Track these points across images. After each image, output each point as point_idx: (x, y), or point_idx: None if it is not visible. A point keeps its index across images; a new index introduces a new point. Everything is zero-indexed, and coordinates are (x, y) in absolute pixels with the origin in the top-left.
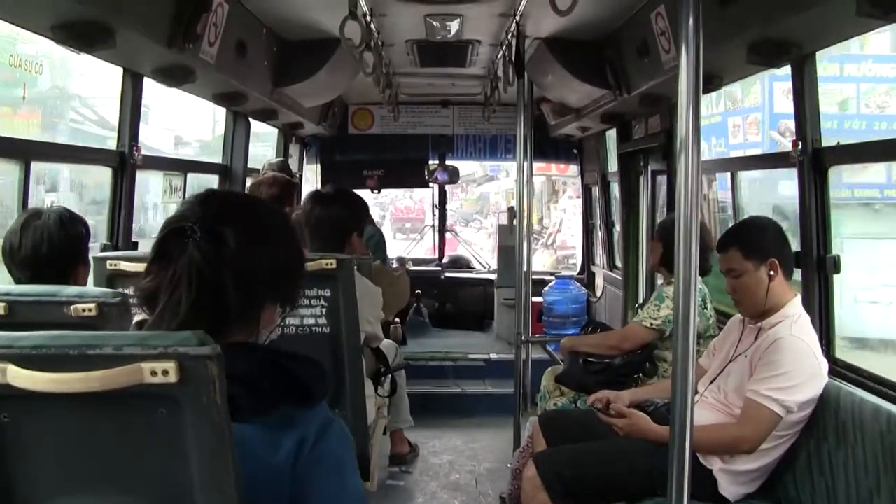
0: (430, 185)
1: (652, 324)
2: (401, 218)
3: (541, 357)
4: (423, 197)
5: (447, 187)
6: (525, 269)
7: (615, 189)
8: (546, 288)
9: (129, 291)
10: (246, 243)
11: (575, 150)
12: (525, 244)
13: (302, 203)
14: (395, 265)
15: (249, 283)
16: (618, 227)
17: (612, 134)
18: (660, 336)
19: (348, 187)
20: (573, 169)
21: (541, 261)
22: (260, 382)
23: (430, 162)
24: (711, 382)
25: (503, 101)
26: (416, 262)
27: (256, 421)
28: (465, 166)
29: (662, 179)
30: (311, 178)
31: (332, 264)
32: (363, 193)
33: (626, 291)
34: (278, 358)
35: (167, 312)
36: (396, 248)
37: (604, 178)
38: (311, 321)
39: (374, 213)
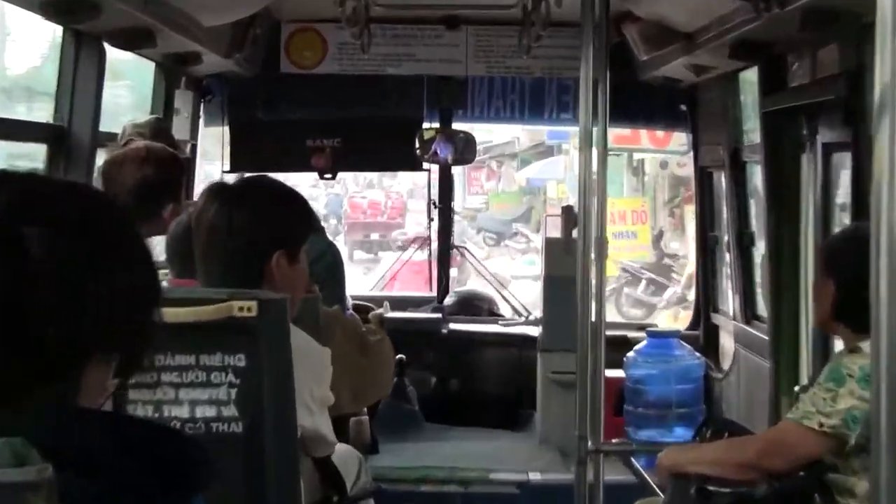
0: (425, 165)
1: (822, 424)
2: (362, 224)
3: (621, 480)
4: (415, 185)
5: (455, 170)
6: (594, 318)
7: (756, 176)
8: (631, 353)
9: None
10: (58, 254)
11: (683, 107)
12: (593, 273)
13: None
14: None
15: (62, 318)
16: (761, 247)
17: (749, 78)
18: (838, 447)
19: (280, 167)
20: (679, 140)
21: (663, 323)
22: (120, 465)
23: (426, 126)
24: None
25: (556, 19)
26: (396, 303)
27: None
28: (490, 133)
29: (844, 159)
30: (212, 152)
31: (250, 310)
32: (304, 181)
33: (776, 363)
34: (137, 428)
35: None
36: (354, 278)
37: (735, 157)
38: (211, 412)
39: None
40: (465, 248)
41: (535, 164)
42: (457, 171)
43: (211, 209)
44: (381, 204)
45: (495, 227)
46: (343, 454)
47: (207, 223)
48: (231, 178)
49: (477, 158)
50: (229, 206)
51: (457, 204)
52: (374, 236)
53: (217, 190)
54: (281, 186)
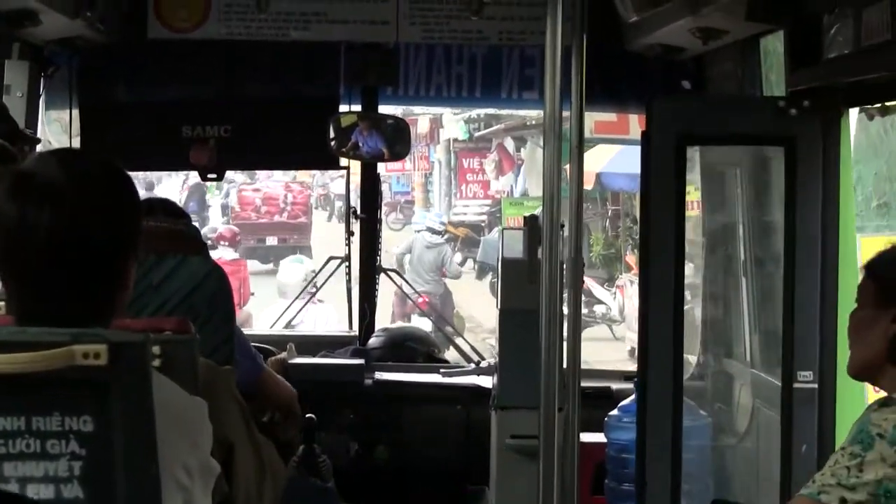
0: (342, 161)
1: (846, 500)
2: (254, 225)
3: None
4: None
5: (384, 167)
6: (565, 364)
7: (776, 174)
8: (614, 412)
9: None
10: None
11: (686, 85)
12: (566, 305)
13: None
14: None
15: None
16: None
17: (772, 46)
18: None
19: (147, 164)
20: None
21: None
22: None
23: (343, 109)
24: None
25: None
26: (303, 344)
27: None
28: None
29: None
30: (56, 144)
31: (98, 356)
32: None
33: (821, 426)
34: None
35: None
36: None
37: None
38: (48, 492)
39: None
40: (395, 271)
41: (611, 147)
42: (439, 157)
43: (28, 209)
44: (280, 198)
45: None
46: None
47: (24, 229)
48: (31, 162)
49: (479, 134)
50: (53, 202)
51: (436, 210)
52: (272, 241)
53: (21, 181)
54: (106, 162)
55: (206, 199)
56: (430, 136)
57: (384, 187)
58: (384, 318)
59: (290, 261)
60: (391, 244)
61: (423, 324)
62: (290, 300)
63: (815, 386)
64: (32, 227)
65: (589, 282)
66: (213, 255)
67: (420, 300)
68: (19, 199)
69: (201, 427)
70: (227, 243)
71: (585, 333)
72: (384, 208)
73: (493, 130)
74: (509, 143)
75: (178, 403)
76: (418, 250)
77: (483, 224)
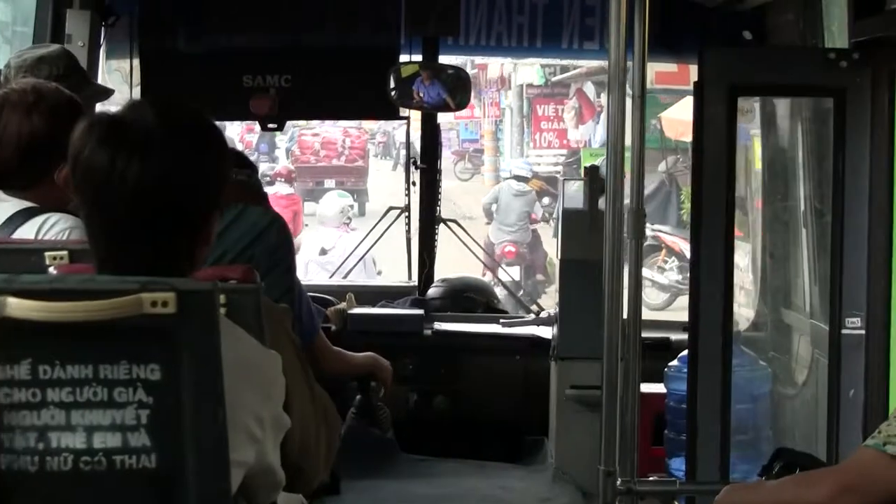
0: (403, 112)
1: None
2: (312, 168)
3: None
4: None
5: (443, 118)
6: (626, 314)
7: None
8: (674, 363)
9: None
10: None
11: (747, 35)
12: (626, 256)
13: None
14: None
15: None
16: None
17: None
18: None
19: (209, 114)
20: None
21: None
22: None
23: (403, 58)
24: None
25: None
26: (363, 294)
27: None
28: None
29: None
30: (119, 92)
31: (166, 304)
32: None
33: (868, 372)
34: None
35: None
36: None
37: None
38: (114, 441)
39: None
40: (455, 222)
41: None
42: (510, 103)
43: (118, 158)
44: (338, 143)
45: None
46: (282, 499)
47: (112, 179)
48: (124, 109)
49: (556, 78)
50: (143, 153)
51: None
52: (330, 184)
53: (113, 129)
54: (198, 115)
55: (276, 142)
56: (501, 80)
57: (452, 135)
58: (475, 269)
59: (332, 194)
60: (458, 195)
61: (513, 273)
62: (328, 228)
63: (863, 332)
64: (120, 178)
65: (682, 244)
66: (271, 190)
67: (509, 249)
68: (110, 148)
69: (274, 380)
70: (283, 179)
71: (678, 302)
72: (452, 157)
73: (572, 75)
74: (589, 89)
75: (252, 355)
76: (505, 199)
77: (558, 175)
